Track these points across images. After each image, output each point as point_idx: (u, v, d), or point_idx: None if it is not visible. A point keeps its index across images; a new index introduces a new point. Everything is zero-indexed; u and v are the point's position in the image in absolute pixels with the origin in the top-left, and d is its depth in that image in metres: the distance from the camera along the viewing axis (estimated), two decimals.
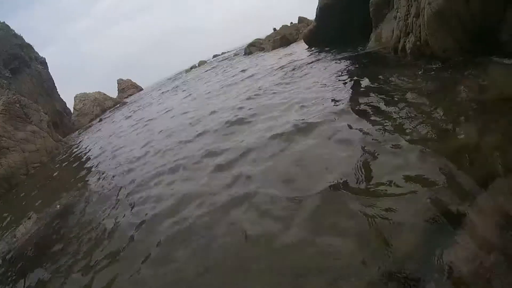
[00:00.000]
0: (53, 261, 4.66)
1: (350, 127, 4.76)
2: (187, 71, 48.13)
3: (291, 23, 30.35)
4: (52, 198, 8.14)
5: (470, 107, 3.91)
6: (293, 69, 11.57)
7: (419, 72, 6.03)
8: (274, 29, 31.97)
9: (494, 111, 3.64)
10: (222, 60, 43.52)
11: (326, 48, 14.22)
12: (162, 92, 29.47)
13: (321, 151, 4.36)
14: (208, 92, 14.46)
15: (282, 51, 21.62)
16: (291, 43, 25.27)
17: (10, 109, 20.04)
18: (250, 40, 33.47)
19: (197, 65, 49.30)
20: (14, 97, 21.59)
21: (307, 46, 18.28)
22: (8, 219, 8.63)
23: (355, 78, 7.46)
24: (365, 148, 3.97)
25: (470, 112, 3.80)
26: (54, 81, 45.07)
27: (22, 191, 13.07)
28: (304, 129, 5.31)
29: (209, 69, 31.90)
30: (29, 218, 6.90)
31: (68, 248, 4.84)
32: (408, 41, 7.25)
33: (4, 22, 43.01)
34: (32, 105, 22.86)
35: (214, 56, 67.01)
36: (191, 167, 5.80)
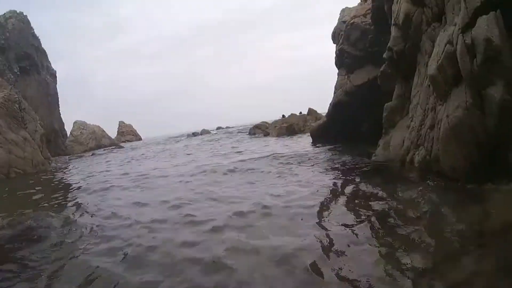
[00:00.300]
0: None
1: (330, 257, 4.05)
2: (188, 135, 48.96)
3: (300, 112, 31.18)
4: (21, 210, 7.96)
5: (468, 237, 3.84)
6: (292, 163, 11.21)
7: (422, 191, 5.88)
8: (283, 115, 32.55)
9: (492, 243, 3.62)
10: (225, 133, 44.55)
11: (332, 147, 14.41)
12: (163, 150, 27.72)
13: None
14: (207, 164, 13.26)
15: (286, 140, 21.94)
16: (296, 133, 25.91)
17: (8, 106, 19.80)
18: (255, 119, 34.35)
19: (199, 132, 50.35)
20: (15, 96, 21.36)
21: (312, 140, 18.60)
22: None
23: (351, 189, 7.16)
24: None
25: (467, 243, 3.72)
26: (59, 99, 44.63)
27: None
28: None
29: (211, 141, 31.98)
30: None
31: (20, 270, 4.56)
32: (418, 154, 7.44)
33: (26, 16, 42.09)
34: (31, 112, 22.67)
35: (218, 128, 68.83)
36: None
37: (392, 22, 9.55)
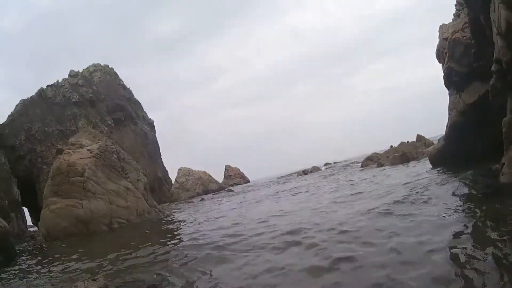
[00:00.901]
0: None
1: None
2: (299, 174, 49.64)
3: (407, 141, 31.75)
4: (127, 269, 7.59)
5: None
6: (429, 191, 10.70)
7: None
8: (391, 146, 33.94)
9: None
10: (336, 168, 44.37)
11: (454, 169, 13.65)
12: (277, 191, 24.68)
13: None
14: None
15: (405, 168, 21.26)
16: (410, 161, 25.63)
17: (105, 156, 19.71)
18: (357, 153, 33.81)
19: (310, 170, 50.87)
20: (112, 147, 21.44)
21: (430, 166, 17.88)
22: (68, 263, 9.35)
23: (491, 212, 6.91)
24: None
25: None
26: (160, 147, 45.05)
27: (98, 242, 13.50)
28: None
29: (327, 176, 31.24)
30: (94, 280, 5.95)
31: None
32: None
33: (112, 68, 42.69)
34: (131, 162, 22.52)
35: (326, 163, 68.76)
36: None
37: (495, 31, 9.25)
